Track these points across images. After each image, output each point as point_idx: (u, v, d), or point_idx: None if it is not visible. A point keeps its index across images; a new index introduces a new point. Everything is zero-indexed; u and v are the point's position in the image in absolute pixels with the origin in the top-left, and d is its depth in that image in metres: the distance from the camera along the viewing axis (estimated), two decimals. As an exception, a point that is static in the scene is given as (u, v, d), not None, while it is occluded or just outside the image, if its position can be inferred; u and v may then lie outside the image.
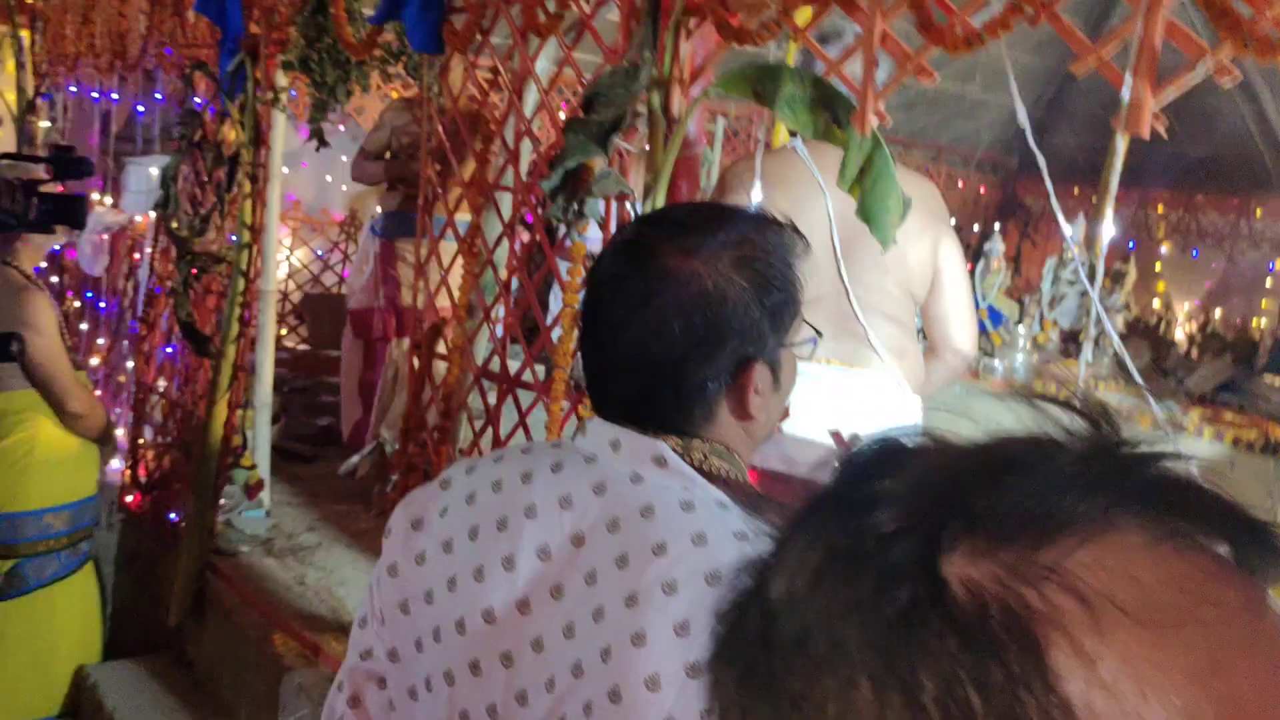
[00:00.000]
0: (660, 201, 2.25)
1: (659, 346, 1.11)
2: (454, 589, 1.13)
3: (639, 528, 1.06)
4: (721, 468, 1.15)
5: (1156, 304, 10.58)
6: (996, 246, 6.51)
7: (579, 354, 1.29)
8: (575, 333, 2.46)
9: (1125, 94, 1.41)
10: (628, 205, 2.34)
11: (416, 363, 3.00)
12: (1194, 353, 6.56)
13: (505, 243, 2.73)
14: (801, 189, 2.53)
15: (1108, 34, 1.57)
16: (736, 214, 1.24)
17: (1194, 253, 11.15)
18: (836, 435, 1.97)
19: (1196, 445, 4.50)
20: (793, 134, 2.72)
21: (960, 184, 10.65)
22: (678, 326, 1.10)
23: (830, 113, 1.96)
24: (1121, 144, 1.62)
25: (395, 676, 1.19)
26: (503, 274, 2.83)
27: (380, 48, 2.98)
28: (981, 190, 11.05)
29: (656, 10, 2.22)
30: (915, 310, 2.73)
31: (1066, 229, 5.75)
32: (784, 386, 1.20)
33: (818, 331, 1.22)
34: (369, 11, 3.11)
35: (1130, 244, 10.62)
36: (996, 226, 6.53)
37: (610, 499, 1.10)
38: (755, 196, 2.55)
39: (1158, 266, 12.10)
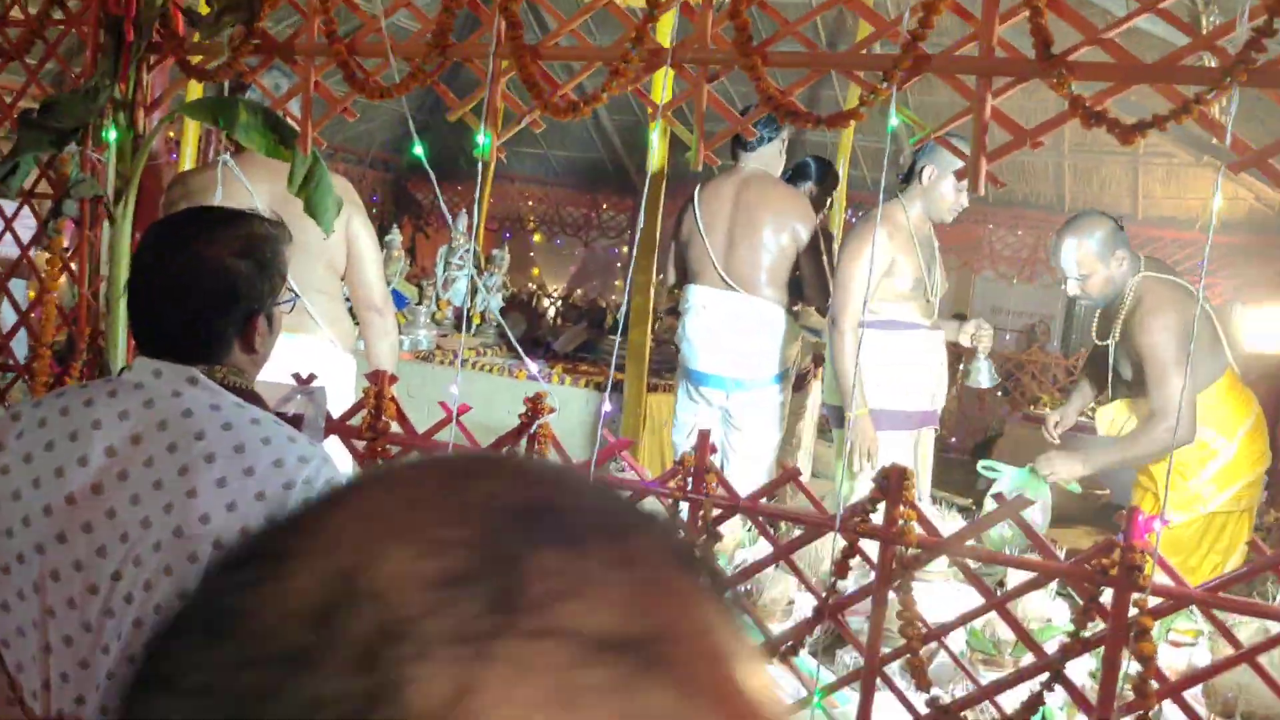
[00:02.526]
0: (131, 204, 2.76)
1: (193, 306, 1.71)
2: (38, 486, 1.64)
3: (182, 424, 1.62)
4: (237, 383, 1.75)
5: (532, 285, 12.18)
6: (395, 239, 7.43)
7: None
8: (53, 313, 2.86)
9: (479, 138, 2.28)
10: (101, 207, 2.80)
11: None
12: (559, 321, 8.00)
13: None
14: (234, 194, 3.16)
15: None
16: (243, 216, 1.88)
17: (559, 241, 13.03)
18: (296, 376, 2.64)
19: (561, 391, 5.74)
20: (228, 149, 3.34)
21: (360, 182, 11.42)
22: (204, 293, 1.71)
23: (278, 135, 2.63)
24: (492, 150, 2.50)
25: None
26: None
27: None
28: (376, 190, 11.89)
29: (119, 45, 2.71)
30: (341, 283, 3.47)
31: (452, 220, 6.74)
32: (275, 329, 1.84)
33: (295, 294, 1.90)
34: None
35: (506, 234, 12.17)
36: (396, 229, 7.45)
37: (158, 409, 1.64)
38: (204, 198, 3.14)
39: (531, 253, 13.96)
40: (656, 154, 4.80)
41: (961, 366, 5.02)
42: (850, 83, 3.46)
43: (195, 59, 2.68)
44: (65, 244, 2.78)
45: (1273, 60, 1.66)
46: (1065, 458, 3.81)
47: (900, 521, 1.99)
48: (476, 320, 7.19)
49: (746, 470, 4.41)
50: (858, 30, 6.03)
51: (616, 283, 13.63)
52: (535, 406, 2.37)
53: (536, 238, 13.30)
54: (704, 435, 2.25)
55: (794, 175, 4.98)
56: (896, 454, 3.83)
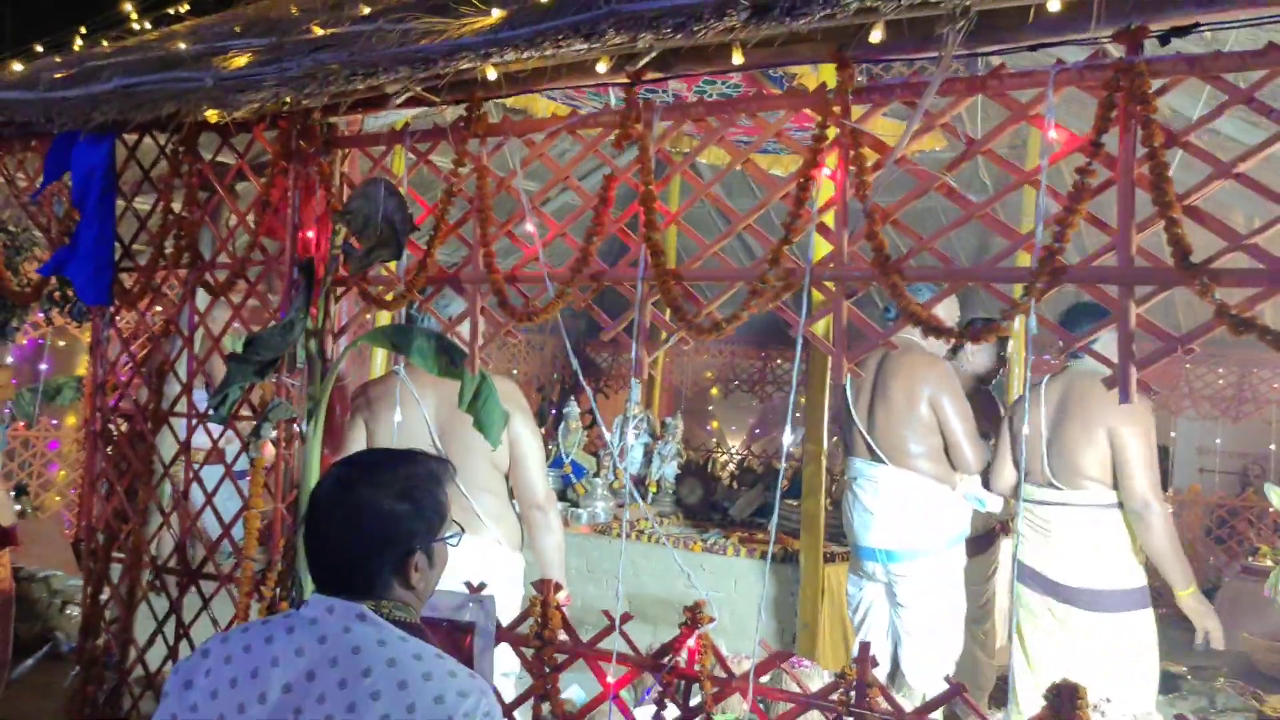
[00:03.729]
0: (320, 423, 2.98)
1: (353, 545, 1.83)
2: (243, 712, 1.78)
3: (351, 661, 1.73)
4: (401, 617, 1.84)
5: (712, 441, 12.25)
6: (573, 411, 7.68)
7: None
8: (256, 526, 3.09)
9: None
10: (295, 427, 3.04)
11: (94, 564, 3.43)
12: (735, 485, 7.99)
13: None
14: (404, 401, 3.36)
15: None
16: (406, 457, 1.99)
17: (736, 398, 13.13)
18: (468, 584, 2.75)
19: (736, 564, 5.71)
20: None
21: (542, 348, 11.89)
22: (363, 534, 1.83)
23: (449, 357, 2.82)
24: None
25: None
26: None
27: (48, 297, 3.46)
28: (556, 354, 12.32)
29: (310, 281, 2.99)
30: (505, 481, 3.61)
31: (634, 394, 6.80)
32: (437, 564, 1.93)
33: (461, 528, 1.98)
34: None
35: (682, 392, 12.36)
36: (573, 399, 7.70)
37: (329, 645, 1.76)
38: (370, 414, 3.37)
39: (709, 407, 14.08)
40: (820, 325, 4.87)
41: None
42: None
43: (375, 290, 2.93)
44: (266, 463, 3.02)
45: None
46: None
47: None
48: (653, 489, 7.28)
49: (922, 652, 4.25)
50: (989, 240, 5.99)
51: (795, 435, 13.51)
52: (695, 616, 2.40)
53: (714, 392, 13.43)
54: (865, 648, 2.22)
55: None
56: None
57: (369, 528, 1.82)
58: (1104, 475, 3.80)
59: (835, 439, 5.20)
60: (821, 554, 5.14)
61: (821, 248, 2.24)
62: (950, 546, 4.24)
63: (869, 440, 4.31)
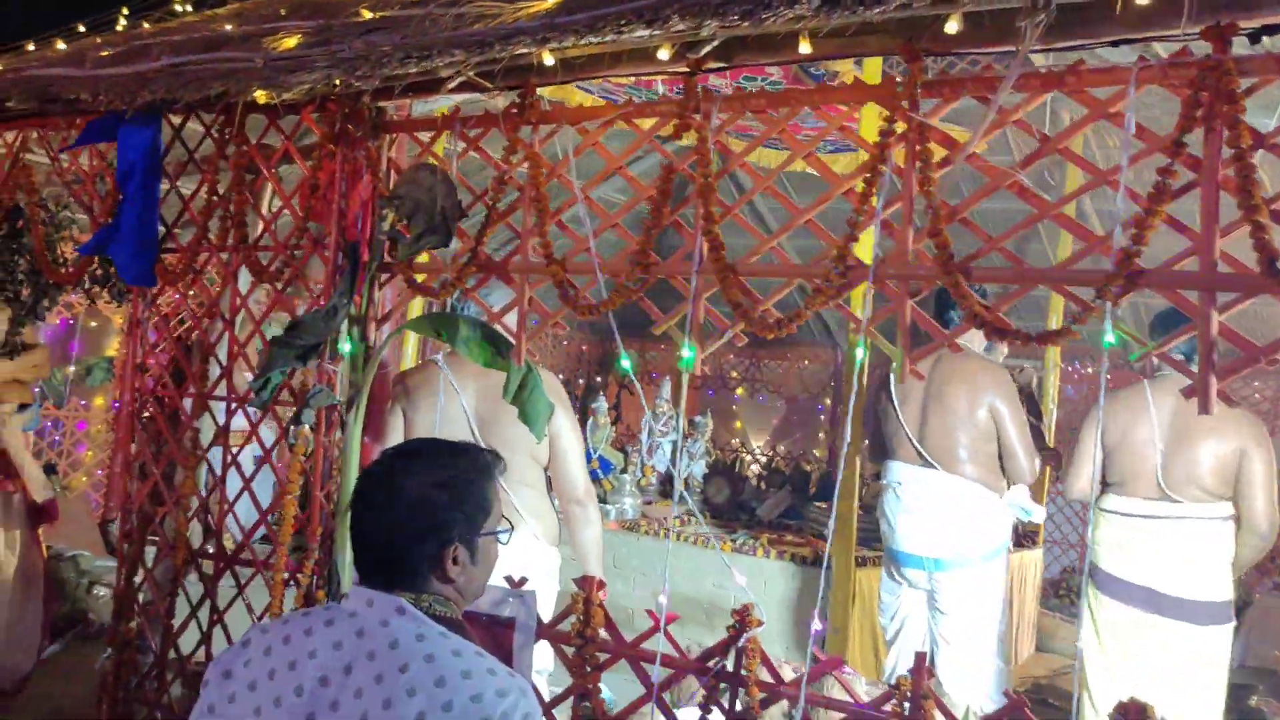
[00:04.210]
0: (361, 411, 2.95)
1: (393, 536, 1.79)
2: (258, 715, 1.72)
3: (389, 656, 1.67)
4: (442, 612, 1.79)
5: (735, 441, 12.19)
6: (601, 405, 7.63)
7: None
8: (293, 513, 3.06)
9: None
10: (335, 414, 3.00)
11: (128, 546, 3.41)
12: (762, 486, 7.93)
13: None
14: (444, 391, 3.33)
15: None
16: (452, 448, 1.92)
17: (761, 398, 13.06)
18: (509, 579, 2.71)
19: (766, 565, 5.65)
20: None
21: (565, 344, 11.86)
22: (400, 523, 1.78)
23: (495, 347, 2.78)
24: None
25: None
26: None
27: (89, 277, 3.44)
28: (584, 348, 12.30)
29: (355, 266, 2.95)
30: (544, 475, 3.56)
31: (660, 391, 6.72)
32: (481, 560, 1.86)
33: (510, 524, 1.93)
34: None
35: (709, 392, 12.31)
36: (600, 394, 7.66)
37: (367, 639, 1.71)
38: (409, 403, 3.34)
39: (734, 407, 14.02)
40: (859, 363, 4.80)
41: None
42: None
43: (421, 276, 2.89)
44: (304, 450, 2.99)
45: None
46: None
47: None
48: (681, 487, 7.23)
49: (960, 660, 4.19)
50: (1058, 243, 5.91)
51: (820, 435, 13.47)
52: (744, 619, 2.35)
53: (739, 391, 13.36)
54: (920, 658, 2.16)
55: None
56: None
57: (405, 516, 1.77)
58: (1225, 490, 3.79)
59: (864, 442, 5.14)
60: (853, 558, 5.08)
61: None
62: (995, 555, 4.18)
63: (918, 445, 4.24)
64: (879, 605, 4.62)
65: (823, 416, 13.17)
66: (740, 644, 2.35)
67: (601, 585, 2.63)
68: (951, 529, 4.13)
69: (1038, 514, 4.26)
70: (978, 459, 4.14)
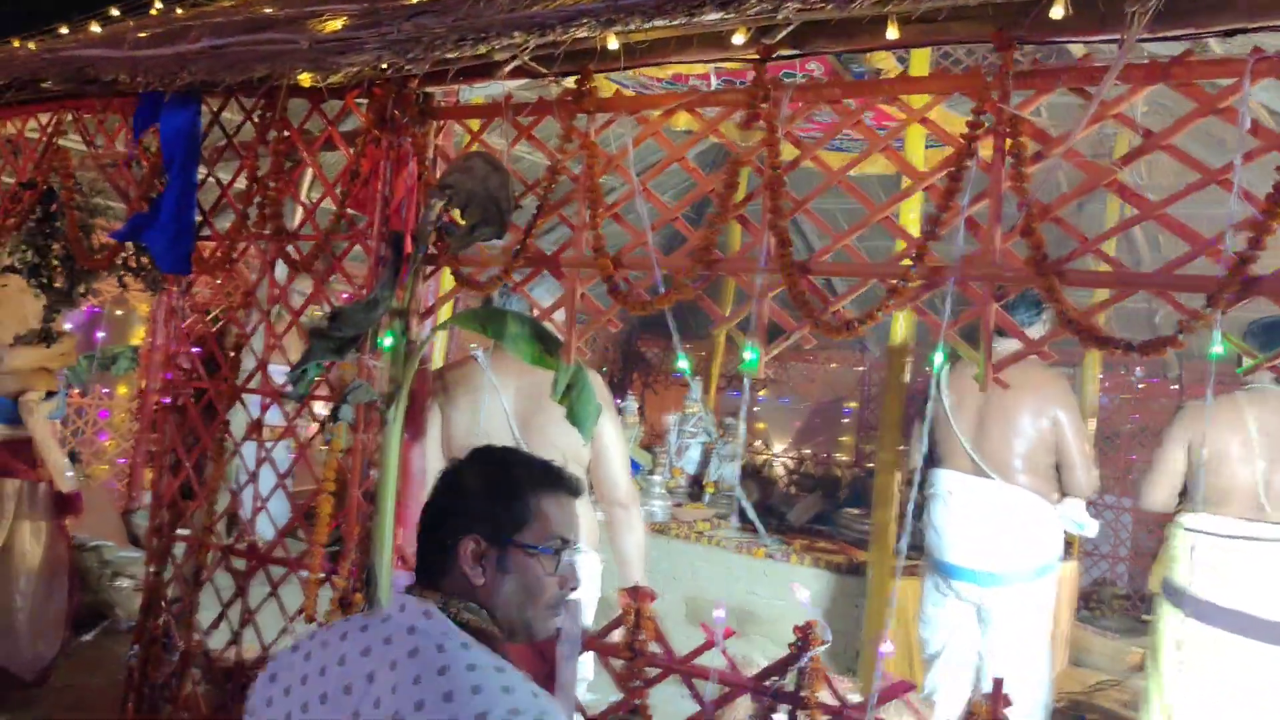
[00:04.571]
0: (402, 407, 2.84)
1: (425, 524, 1.76)
2: (306, 711, 1.65)
3: (407, 665, 1.57)
4: (470, 620, 1.66)
5: (758, 443, 12.07)
6: (630, 405, 7.52)
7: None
8: (328, 512, 2.96)
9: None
10: (374, 410, 2.90)
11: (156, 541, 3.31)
12: (793, 490, 7.81)
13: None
14: (482, 388, 3.22)
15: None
16: (513, 456, 1.86)
17: (784, 399, 12.92)
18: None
19: (799, 573, 5.52)
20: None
21: (591, 341, 11.74)
22: (433, 511, 1.76)
23: (543, 345, 2.67)
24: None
25: None
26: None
27: (123, 264, 3.35)
28: (608, 346, 12.19)
29: (399, 257, 2.85)
30: (585, 477, 3.45)
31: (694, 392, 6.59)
32: (515, 572, 1.70)
33: (564, 541, 1.75)
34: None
35: (733, 393, 12.17)
36: (630, 395, 7.55)
37: (393, 646, 1.62)
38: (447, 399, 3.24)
39: (756, 408, 13.87)
40: (901, 329, 4.67)
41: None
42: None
43: (468, 269, 2.77)
44: (341, 446, 2.88)
45: None
46: None
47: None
48: (710, 490, 7.11)
49: (1009, 674, 4.05)
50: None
51: (842, 439, 13.33)
52: (806, 637, 2.22)
53: (762, 392, 13.23)
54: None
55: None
56: None
57: (439, 503, 1.77)
58: None
59: (902, 448, 5.01)
60: (891, 568, 4.94)
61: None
62: (1049, 569, 4.04)
63: (973, 453, 4.09)
64: (921, 618, 4.48)
65: (846, 420, 13.05)
66: (802, 663, 2.23)
67: (653, 596, 2.52)
68: (1005, 541, 3.99)
69: (1091, 528, 4.11)
70: (1036, 469, 4.00)
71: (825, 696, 2.21)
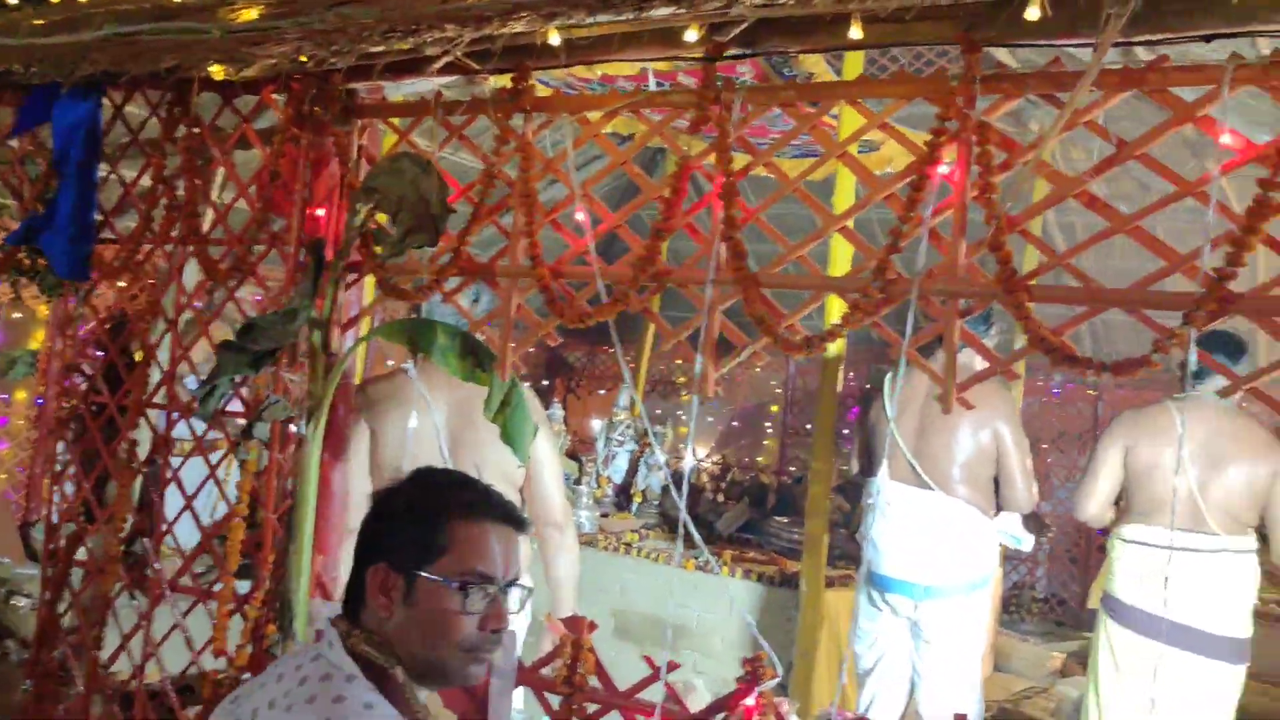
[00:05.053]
0: (321, 425, 2.65)
1: (356, 551, 1.71)
2: None
3: (295, 693, 1.54)
4: (366, 652, 1.61)
5: (681, 447, 11.97)
6: (556, 413, 7.35)
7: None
8: (240, 537, 2.75)
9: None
10: (291, 427, 2.70)
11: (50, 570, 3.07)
12: (720, 498, 7.71)
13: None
14: (412, 403, 3.06)
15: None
16: (449, 479, 1.79)
17: (714, 403, 12.83)
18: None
19: (730, 585, 5.41)
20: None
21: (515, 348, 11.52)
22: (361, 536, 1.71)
23: (475, 359, 2.50)
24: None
25: None
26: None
27: (14, 266, 3.09)
28: (530, 351, 12.01)
29: (319, 264, 2.66)
30: (519, 498, 3.29)
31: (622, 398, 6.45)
32: (422, 605, 1.61)
33: (481, 576, 1.62)
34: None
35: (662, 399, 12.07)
36: (555, 402, 7.38)
37: (298, 673, 1.59)
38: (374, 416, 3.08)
39: (680, 412, 13.80)
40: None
41: None
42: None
43: (393, 278, 2.60)
44: (255, 467, 2.68)
45: None
46: None
47: None
48: (637, 499, 6.98)
49: (944, 690, 4.00)
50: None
51: (766, 443, 13.31)
52: (755, 672, 2.10)
53: (684, 397, 13.15)
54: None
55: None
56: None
57: (363, 527, 1.71)
58: (1254, 520, 3.60)
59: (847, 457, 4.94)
60: (824, 580, 4.86)
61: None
62: (983, 584, 3.99)
63: (914, 464, 4.02)
64: (856, 632, 4.41)
65: (769, 427, 13.04)
66: (751, 699, 2.10)
67: (593, 626, 2.37)
68: (941, 554, 3.93)
69: (1027, 543, 4.08)
70: (975, 482, 3.95)
71: (779, 733, 2.08)
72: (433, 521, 1.62)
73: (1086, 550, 8.63)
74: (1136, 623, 3.70)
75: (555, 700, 2.33)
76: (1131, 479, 3.80)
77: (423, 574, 1.59)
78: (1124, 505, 3.88)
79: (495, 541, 1.64)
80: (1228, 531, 3.59)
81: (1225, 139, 1.68)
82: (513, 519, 1.69)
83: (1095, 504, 3.91)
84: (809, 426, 9.58)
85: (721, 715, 2.15)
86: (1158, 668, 3.60)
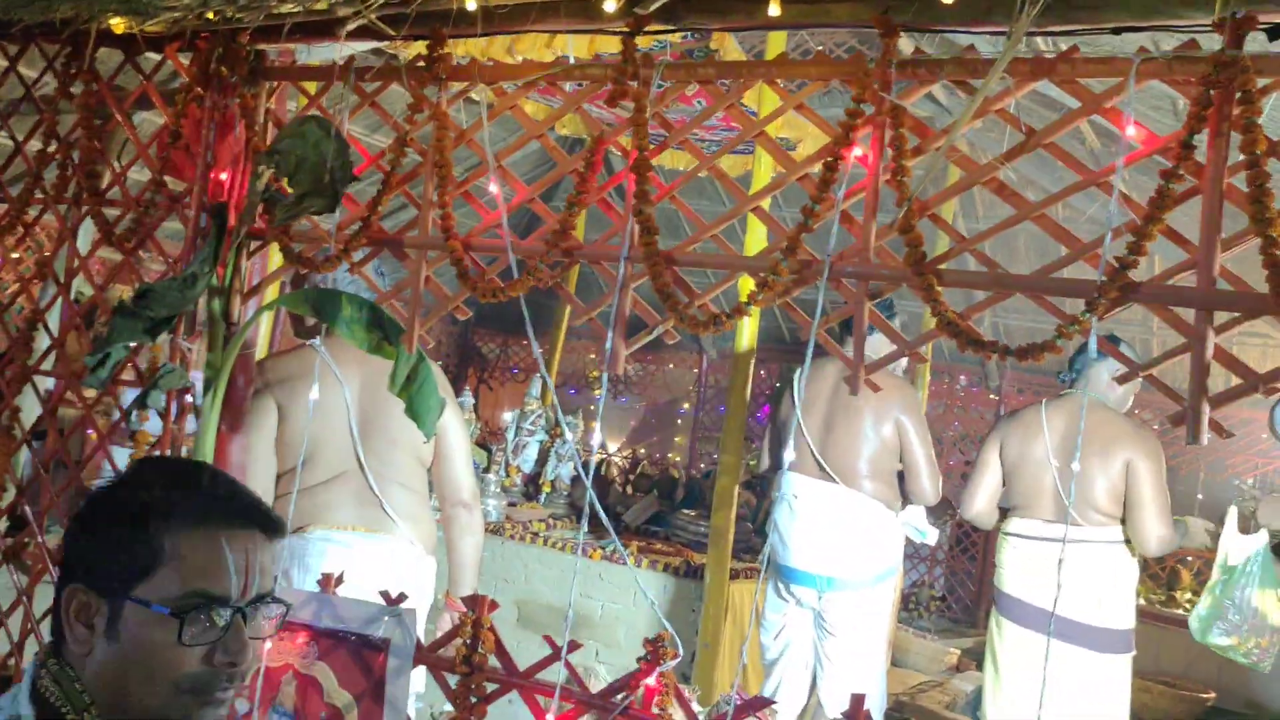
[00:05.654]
0: (220, 396, 2.57)
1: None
2: None
3: None
4: (50, 694, 1.29)
5: (593, 442, 11.96)
6: (468, 401, 7.27)
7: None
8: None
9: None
10: (188, 398, 2.61)
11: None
12: (629, 490, 7.70)
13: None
14: (320, 379, 2.97)
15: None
16: (140, 469, 1.47)
17: (622, 400, 12.85)
18: (385, 595, 2.39)
19: (637, 575, 5.41)
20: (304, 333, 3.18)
21: (426, 332, 11.38)
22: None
23: (382, 332, 2.45)
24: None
25: None
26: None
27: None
28: (442, 339, 11.87)
29: (221, 230, 2.57)
30: (426, 476, 3.24)
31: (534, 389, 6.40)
32: (129, 644, 1.27)
33: (209, 598, 1.29)
34: None
35: (571, 390, 12.03)
36: (467, 388, 7.31)
37: None
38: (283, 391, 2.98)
39: (592, 407, 13.75)
40: (746, 334, 4.60)
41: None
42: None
43: (299, 246, 2.53)
44: (151, 437, 2.59)
45: None
46: None
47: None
48: (546, 489, 6.95)
49: (846, 680, 4.04)
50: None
51: (677, 439, 13.37)
52: (656, 652, 2.08)
53: (596, 392, 13.13)
54: (858, 700, 1.94)
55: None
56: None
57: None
58: (1118, 510, 3.68)
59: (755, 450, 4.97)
60: (728, 571, 4.89)
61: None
62: (887, 576, 4.04)
63: (819, 457, 4.06)
64: (762, 623, 4.43)
65: (681, 421, 13.09)
66: (652, 679, 2.09)
67: (494, 605, 2.33)
68: (846, 546, 3.97)
69: (931, 536, 4.15)
70: (879, 475, 4.00)
71: (677, 715, 2.07)
72: (144, 529, 1.29)
73: (984, 550, 8.83)
74: (1023, 617, 3.79)
75: (454, 680, 2.28)
76: (1007, 474, 3.91)
77: (132, 596, 1.27)
78: (1007, 502, 3.99)
79: (230, 553, 1.31)
80: (1091, 523, 3.71)
81: (1130, 130, 1.71)
82: (257, 521, 1.37)
83: (978, 500, 4.01)
84: (720, 423, 9.64)
85: (622, 695, 2.13)
86: (1047, 660, 3.68)
